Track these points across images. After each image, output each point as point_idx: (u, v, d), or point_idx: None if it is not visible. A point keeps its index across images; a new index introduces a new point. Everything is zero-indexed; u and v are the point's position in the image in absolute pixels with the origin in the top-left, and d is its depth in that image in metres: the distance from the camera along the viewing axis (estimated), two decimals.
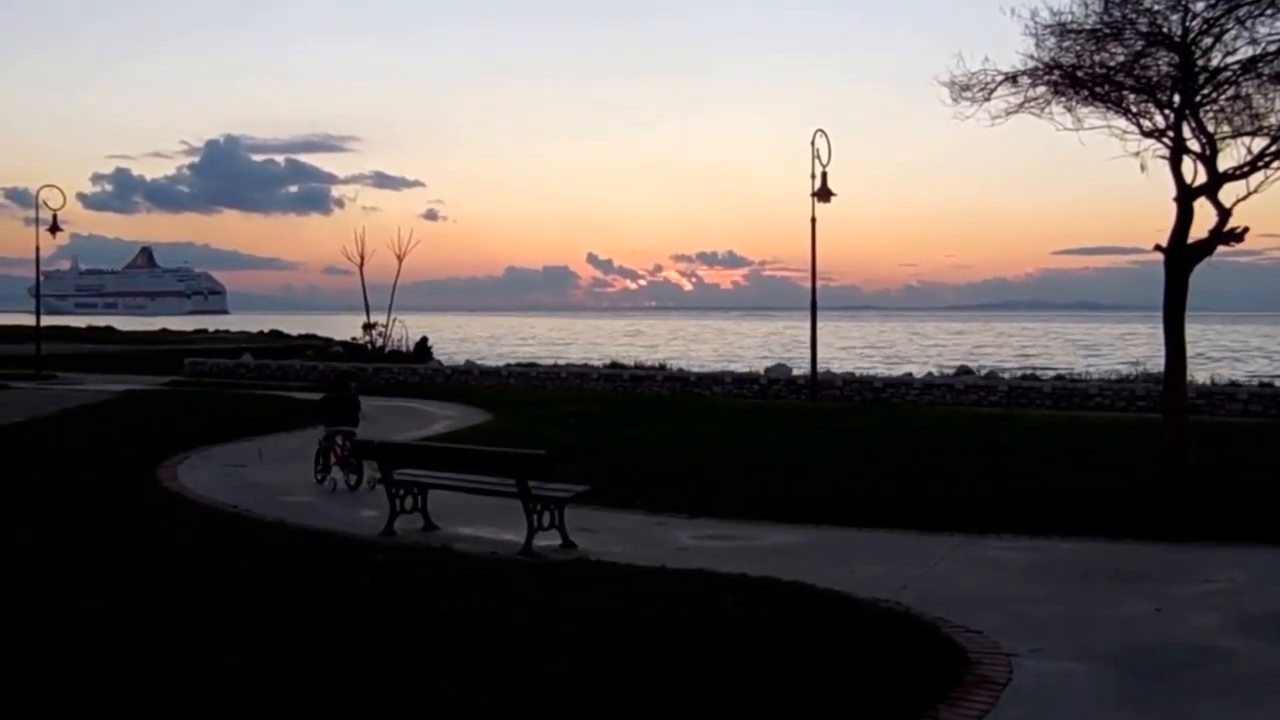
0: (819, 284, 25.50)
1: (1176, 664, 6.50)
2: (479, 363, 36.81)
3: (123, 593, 7.09)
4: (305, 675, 5.39)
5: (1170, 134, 11.06)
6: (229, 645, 5.88)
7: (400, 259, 39.00)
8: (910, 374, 29.14)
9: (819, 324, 25.87)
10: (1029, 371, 31.36)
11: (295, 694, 5.10)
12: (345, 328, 47.60)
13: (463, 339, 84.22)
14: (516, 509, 10.00)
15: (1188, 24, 10.79)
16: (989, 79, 11.54)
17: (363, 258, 38.60)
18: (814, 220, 24.67)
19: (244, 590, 7.28)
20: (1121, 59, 11.13)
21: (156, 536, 9.29)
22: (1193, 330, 11.40)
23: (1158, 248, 11.06)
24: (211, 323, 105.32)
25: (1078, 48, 11.21)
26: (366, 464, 13.00)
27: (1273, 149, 10.71)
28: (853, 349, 73.69)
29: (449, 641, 6.04)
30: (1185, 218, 10.97)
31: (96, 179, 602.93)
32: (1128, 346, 70.03)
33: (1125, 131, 11.29)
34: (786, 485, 12.26)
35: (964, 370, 29.77)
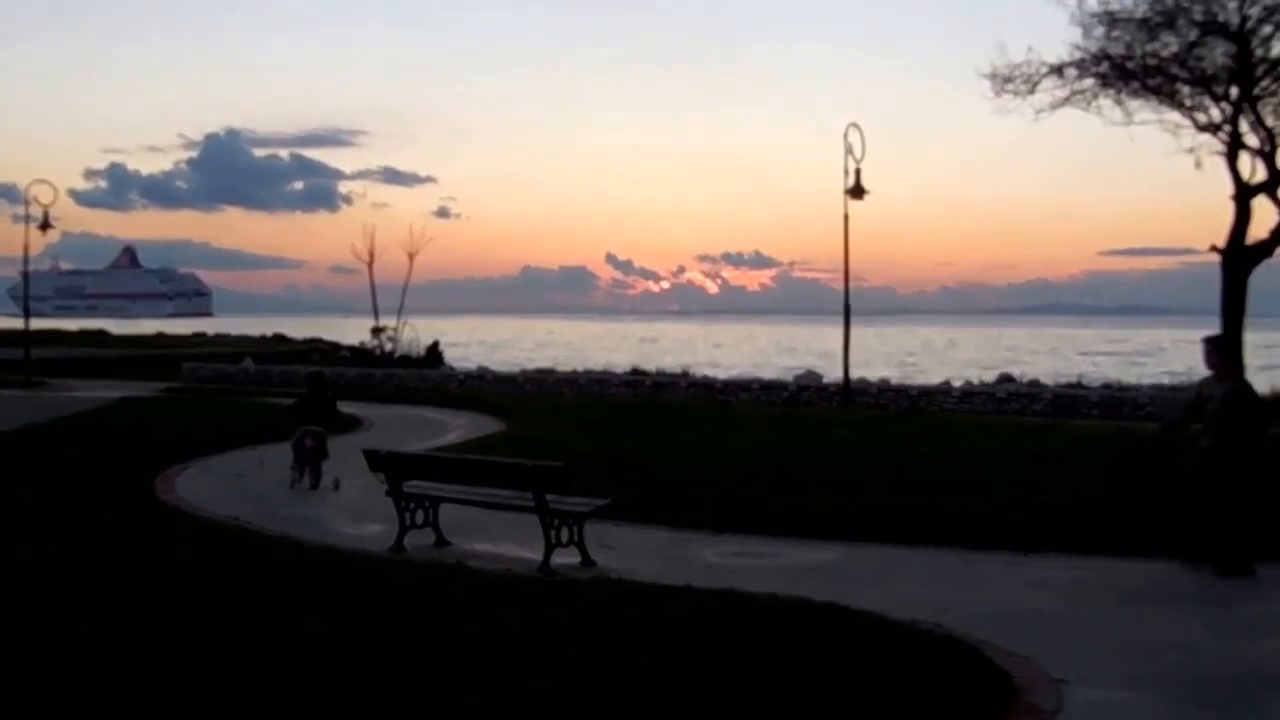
0: (851, 285, 25.50)
1: (1240, 693, 6.43)
2: (493, 368, 36.90)
3: (125, 610, 7.14)
4: (330, 695, 5.42)
5: (1226, 128, 11.05)
6: (245, 662, 5.93)
7: (411, 258, 39.24)
8: (948, 381, 29.09)
9: (852, 329, 25.84)
10: (1074, 379, 31.21)
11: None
12: (353, 331, 47.83)
13: (476, 343, 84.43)
14: (533, 524, 9.99)
15: (1246, 12, 10.78)
16: (1033, 71, 11.60)
17: (372, 256, 38.90)
18: (847, 218, 24.74)
19: (251, 605, 7.32)
20: (1175, 49, 11.12)
21: (155, 551, 9.33)
22: (1252, 337, 11.32)
23: (1214, 249, 11.03)
24: (195, 326, 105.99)
25: (1128, 37, 11.22)
26: (377, 475, 13.02)
27: None
28: (887, 354, 73.51)
29: (469, 662, 6.05)
30: (1243, 217, 10.95)
31: (89, 174, 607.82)
32: (1179, 353, 69.51)
33: (1178, 126, 11.31)
34: (819, 499, 12.23)
35: (1005, 378, 29.69)
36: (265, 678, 5.66)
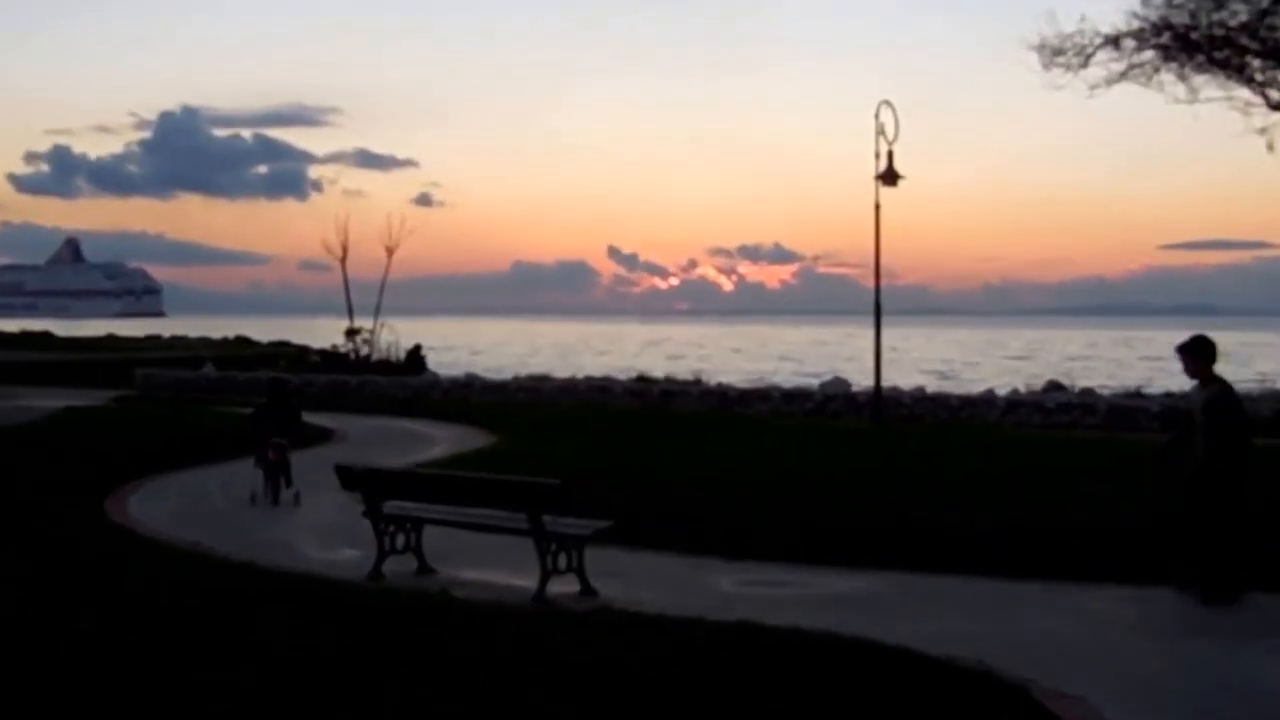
0: (883, 283, 25.41)
1: None
2: (481, 375, 36.91)
3: (65, 649, 7.17)
4: None
5: None
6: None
7: (390, 252, 39.14)
8: (992, 390, 29.08)
9: (884, 330, 25.67)
10: (1133, 388, 31.16)
11: None
12: (324, 334, 47.82)
13: (462, 347, 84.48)
14: (527, 549, 10.03)
15: None
16: (1086, 42, 11.62)
17: (345, 250, 38.76)
18: (878, 207, 24.57)
19: (216, 643, 7.35)
20: (1244, 18, 11.14)
21: (103, 581, 9.39)
22: None
23: None
24: (148, 327, 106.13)
25: (1192, 5, 11.25)
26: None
27: None
28: (923, 360, 73.41)
29: (451, 700, 6.07)
30: None
31: (30, 158, 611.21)
32: (1252, 358, 69.37)
33: (1248, 104, 11.32)
34: (846, 522, 12.30)
35: (1055, 386, 29.66)
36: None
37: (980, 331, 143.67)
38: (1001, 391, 28.45)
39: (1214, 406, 9.52)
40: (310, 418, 21.21)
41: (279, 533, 13.20)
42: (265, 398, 16.21)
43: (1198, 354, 9.89)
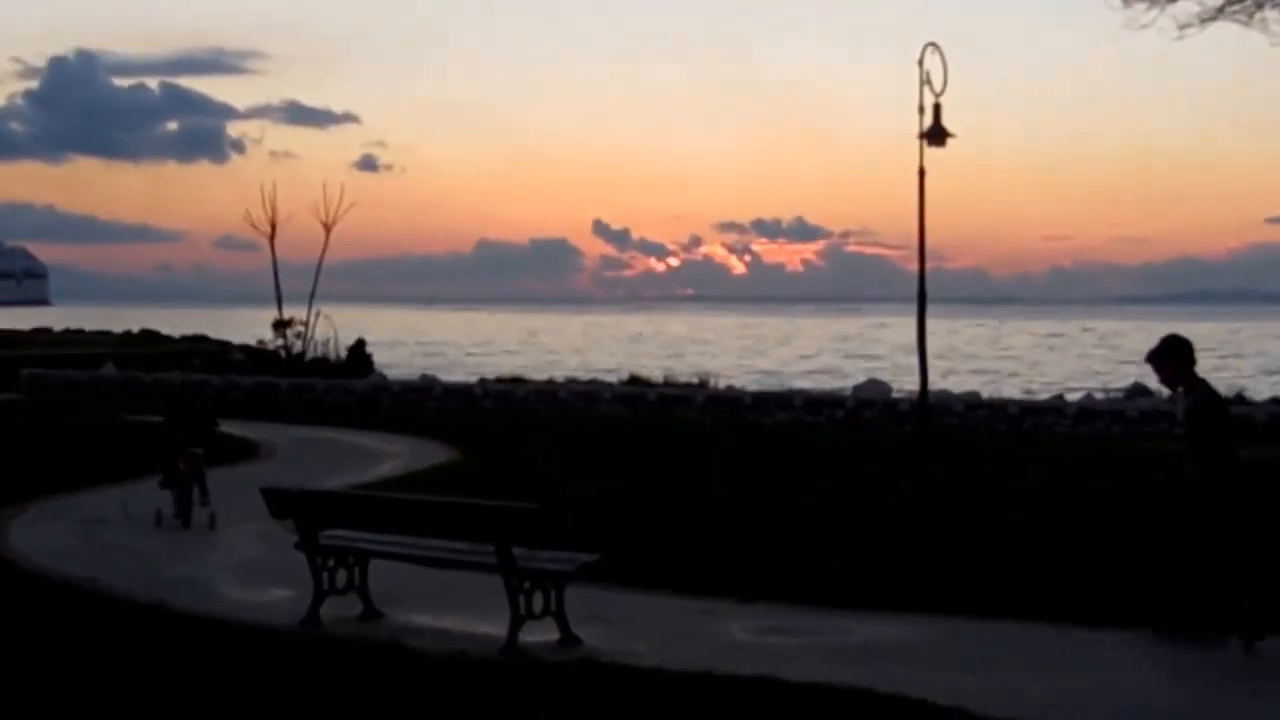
0: (928, 265, 25.40)
1: None
2: (441, 377, 36.87)
3: None
4: None
5: None
6: None
7: (328, 228, 39.19)
8: (1061, 396, 29.08)
9: (929, 322, 25.71)
10: (1234, 392, 31.16)
11: None
12: (249, 326, 47.82)
13: (417, 342, 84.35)
14: (496, 588, 9.97)
15: None
16: None
17: (273, 225, 38.78)
18: (922, 173, 24.58)
19: (110, 710, 7.32)
20: None
21: None
22: None
23: None
24: (34, 318, 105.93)
25: None
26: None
27: None
28: (978, 359, 73.37)
29: None
30: None
31: None
32: None
33: None
34: (884, 555, 12.27)
35: (1138, 390, 29.62)
36: None
37: (1047, 324, 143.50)
38: (1073, 397, 28.45)
39: (1195, 415, 9.62)
40: (231, 428, 21.27)
41: (194, 567, 13.19)
42: (175, 404, 16.31)
43: (1169, 358, 9.90)
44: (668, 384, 32.60)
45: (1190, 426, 9.65)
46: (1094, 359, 76.14)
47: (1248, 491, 9.67)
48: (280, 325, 38.01)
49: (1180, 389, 9.91)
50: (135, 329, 72.95)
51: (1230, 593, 9.46)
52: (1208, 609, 9.47)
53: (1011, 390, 42.45)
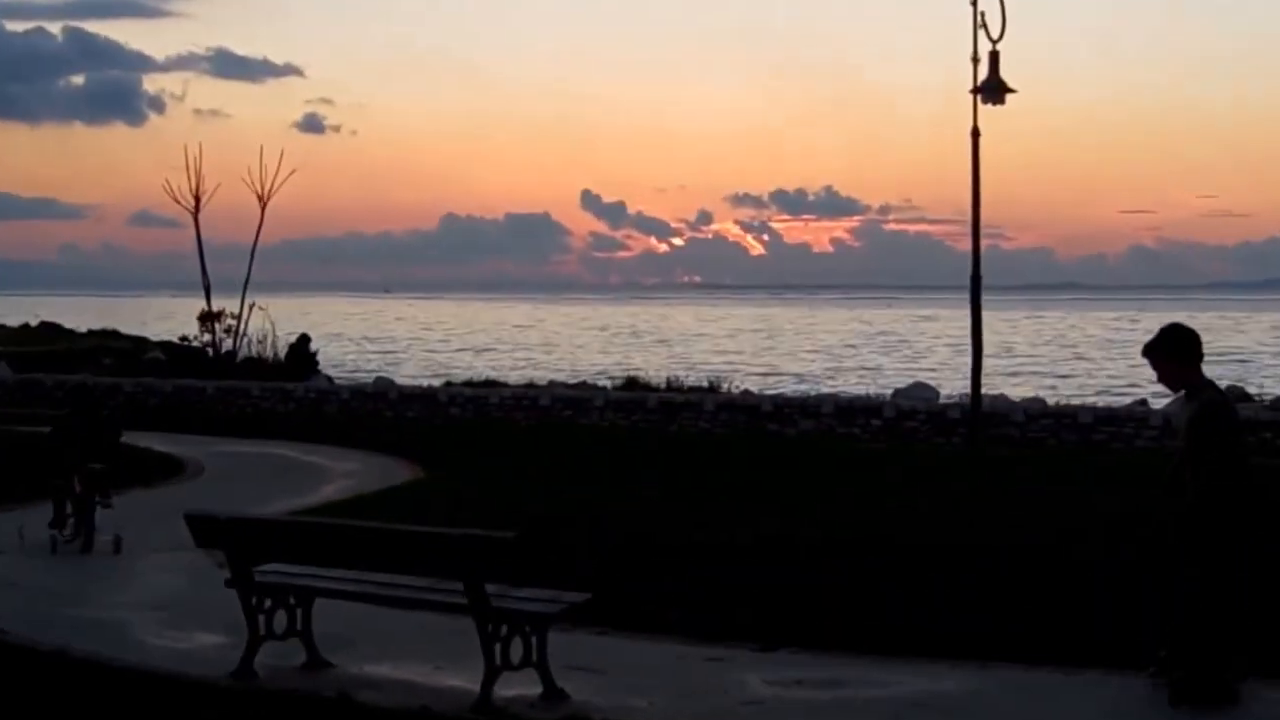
0: (984, 246, 25.23)
1: None
2: (399, 380, 36.99)
3: None
4: None
5: None
6: None
7: (264, 201, 39.56)
8: (1144, 401, 29.02)
9: (985, 314, 25.64)
10: None
11: None
12: (169, 318, 47.88)
13: (370, 339, 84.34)
14: (466, 633, 9.90)
15: None
16: None
17: (198, 199, 39.21)
18: (976, 134, 24.34)
19: None
20: None
21: None
22: None
23: None
24: None
25: None
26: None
27: None
28: (1042, 358, 73.55)
29: None
30: None
31: None
32: None
33: None
34: (929, 594, 12.43)
35: (1238, 396, 29.52)
36: None
37: (1126, 313, 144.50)
38: (1159, 403, 28.22)
39: (1199, 425, 9.46)
40: (146, 440, 22.46)
41: (103, 607, 13.14)
42: (68, 410, 16.70)
43: (1170, 353, 9.68)
44: (672, 388, 32.94)
45: (1191, 437, 9.43)
46: None
47: (1255, 514, 9.56)
48: (207, 318, 38.26)
49: (1182, 391, 9.82)
50: (34, 321, 73.57)
51: (1229, 635, 9.39)
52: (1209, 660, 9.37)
53: (1083, 394, 42.22)
